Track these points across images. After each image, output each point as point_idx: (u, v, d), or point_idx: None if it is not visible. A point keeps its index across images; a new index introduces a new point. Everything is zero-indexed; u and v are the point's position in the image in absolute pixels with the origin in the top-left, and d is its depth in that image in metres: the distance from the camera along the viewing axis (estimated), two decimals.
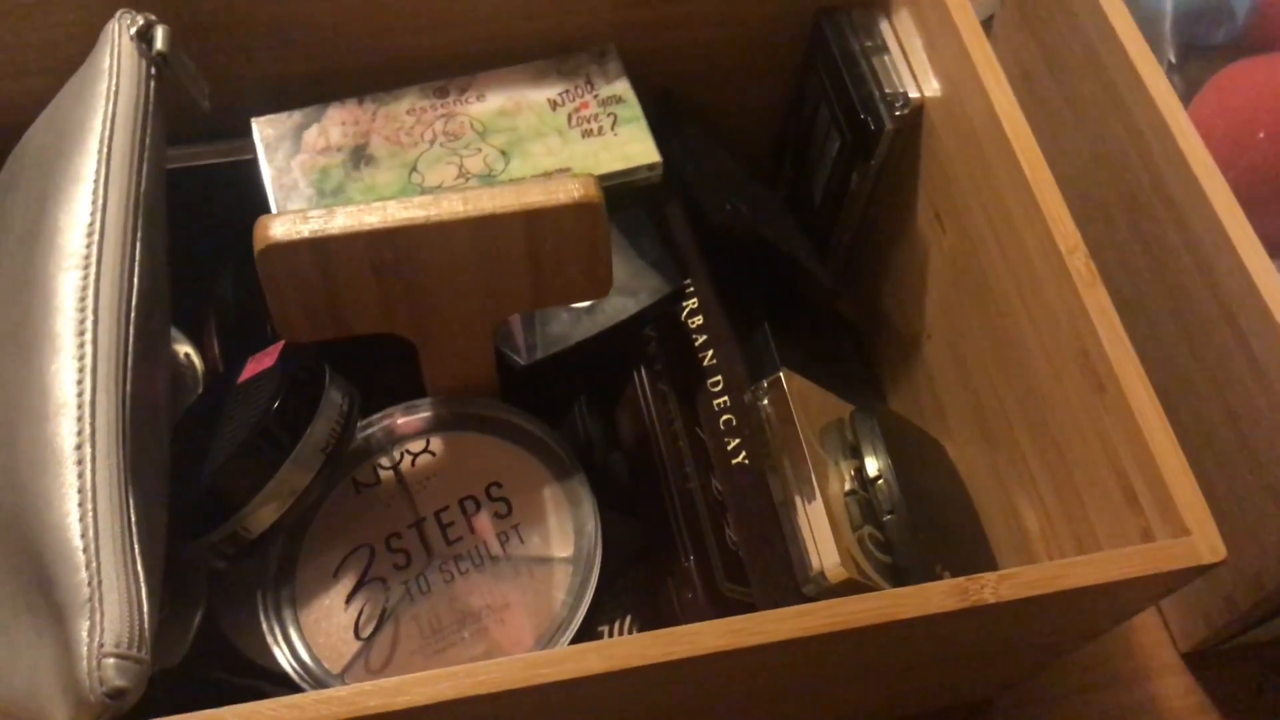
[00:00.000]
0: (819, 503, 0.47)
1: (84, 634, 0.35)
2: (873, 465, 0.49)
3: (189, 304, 0.57)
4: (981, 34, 0.51)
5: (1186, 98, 0.59)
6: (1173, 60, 0.59)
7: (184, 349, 0.56)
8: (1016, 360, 0.49)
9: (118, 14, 0.47)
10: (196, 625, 0.48)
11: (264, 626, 0.46)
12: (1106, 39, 0.55)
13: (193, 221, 0.50)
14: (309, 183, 0.52)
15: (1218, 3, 0.60)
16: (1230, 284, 0.49)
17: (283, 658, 0.46)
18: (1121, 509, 0.43)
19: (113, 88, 0.45)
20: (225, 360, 0.56)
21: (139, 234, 0.43)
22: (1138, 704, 0.58)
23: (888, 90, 0.55)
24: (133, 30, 0.47)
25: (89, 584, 0.36)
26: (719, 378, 0.54)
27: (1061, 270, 0.45)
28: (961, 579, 0.38)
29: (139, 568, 0.37)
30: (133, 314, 0.41)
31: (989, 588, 0.38)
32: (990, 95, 0.49)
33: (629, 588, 0.54)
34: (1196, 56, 0.59)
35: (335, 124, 0.54)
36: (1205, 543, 0.39)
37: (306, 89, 0.55)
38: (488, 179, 0.53)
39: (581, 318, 0.55)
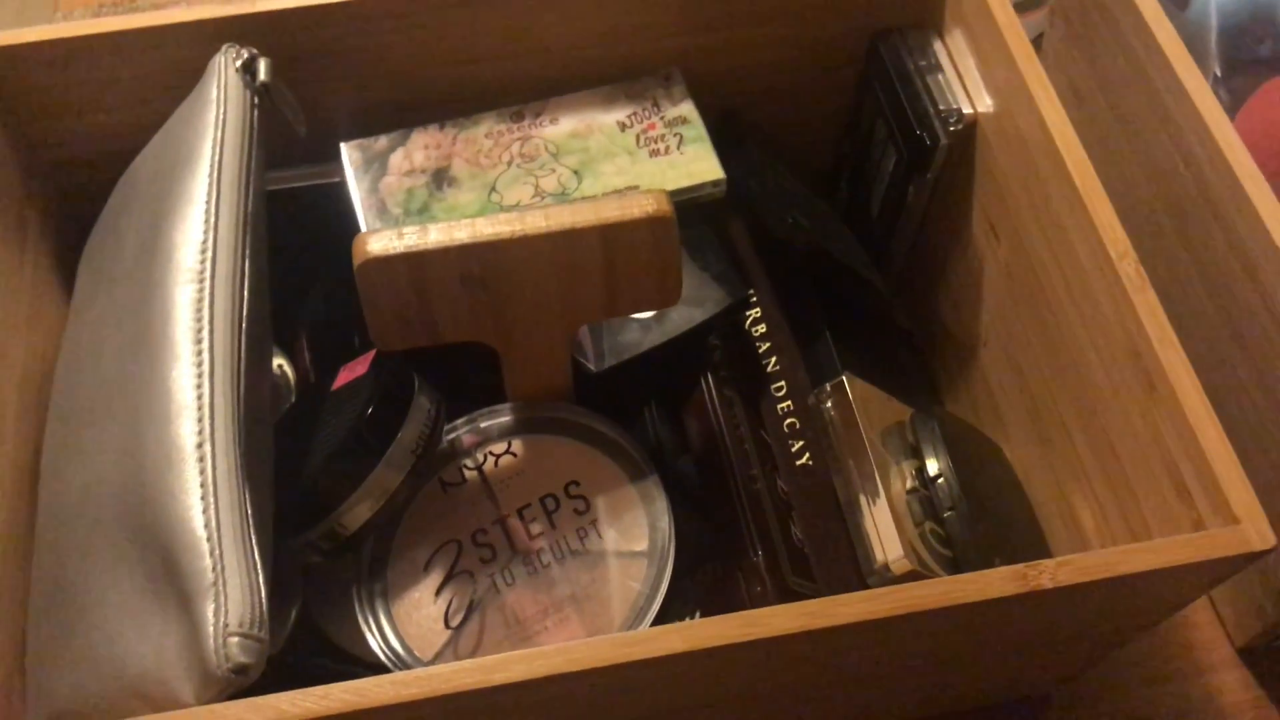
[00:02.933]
0: (883, 500, 0.49)
1: (210, 615, 0.38)
2: (933, 465, 0.52)
3: (281, 319, 0.60)
4: (1032, 52, 0.53)
5: (1232, 110, 0.60)
6: (1218, 74, 0.60)
7: (278, 360, 0.59)
8: (1070, 363, 0.52)
9: (224, 47, 0.51)
10: (294, 617, 0.51)
11: (359, 617, 0.50)
12: (1153, 55, 0.57)
13: (283, 241, 0.54)
14: (396, 203, 0.56)
15: (1263, 17, 0.62)
16: (1277, 288, 0.50)
17: (377, 646, 0.49)
18: (1173, 502, 0.45)
19: (221, 116, 0.49)
20: (316, 371, 0.59)
21: (247, 251, 0.46)
22: (1195, 698, 0.60)
23: (942, 107, 0.57)
24: (238, 63, 0.50)
25: (213, 570, 0.39)
26: (782, 383, 0.57)
27: (1112, 275, 0.47)
28: (1020, 565, 0.40)
29: (256, 556, 0.40)
30: (244, 324, 0.44)
31: (1047, 573, 0.40)
32: (1041, 109, 0.51)
33: (698, 586, 0.56)
34: (1242, 70, 0.61)
35: (419, 148, 0.57)
36: (1255, 530, 0.41)
37: (390, 116, 0.58)
38: (562, 197, 0.57)
39: (651, 327, 0.57)
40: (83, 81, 0.56)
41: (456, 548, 0.50)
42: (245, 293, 0.45)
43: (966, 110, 0.57)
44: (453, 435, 0.54)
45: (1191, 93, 0.54)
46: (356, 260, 0.45)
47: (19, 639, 0.47)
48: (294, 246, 0.56)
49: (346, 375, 0.53)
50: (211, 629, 0.38)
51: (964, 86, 0.58)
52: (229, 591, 0.38)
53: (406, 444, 0.49)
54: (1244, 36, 0.60)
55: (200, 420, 0.41)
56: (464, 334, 0.49)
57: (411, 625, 0.49)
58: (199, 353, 0.43)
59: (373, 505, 0.49)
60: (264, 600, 0.39)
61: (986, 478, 0.55)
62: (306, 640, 0.52)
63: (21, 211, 0.55)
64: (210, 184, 0.47)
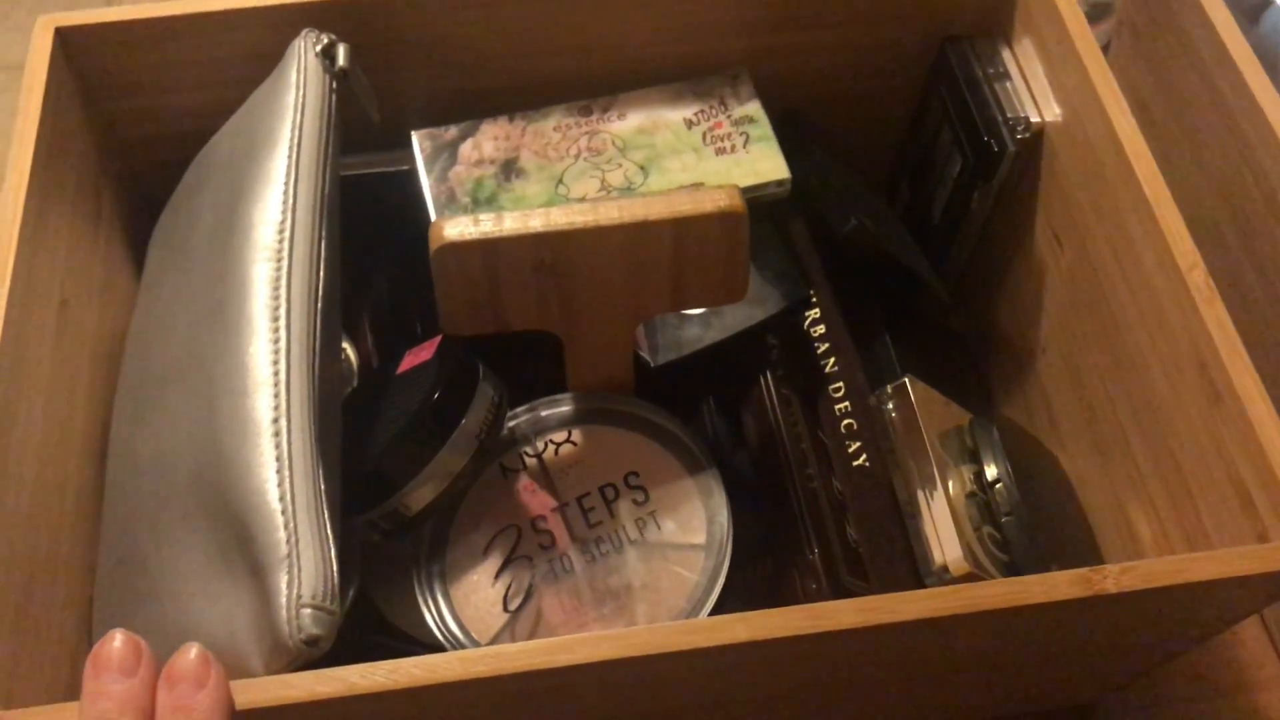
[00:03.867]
0: (942, 501, 0.50)
1: (283, 586, 0.39)
2: (992, 470, 0.52)
3: (345, 303, 0.61)
4: (1103, 61, 0.53)
5: None
6: None
7: (341, 344, 0.60)
8: (1133, 373, 0.52)
9: (303, 33, 0.52)
10: (352, 596, 0.52)
11: (418, 598, 0.50)
12: (1224, 68, 0.57)
13: (350, 226, 0.54)
14: (464, 192, 0.56)
15: None
16: None
17: (434, 626, 0.49)
18: (1237, 514, 0.45)
19: (300, 99, 0.49)
20: (379, 355, 0.60)
21: (323, 232, 0.47)
22: (1242, 715, 0.60)
23: (1010, 114, 0.57)
24: (318, 48, 0.51)
25: (287, 542, 0.39)
26: (840, 384, 0.57)
27: (1181, 286, 0.47)
28: (1085, 569, 0.40)
29: (328, 530, 0.41)
30: (319, 303, 0.45)
31: (1111, 578, 0.40)
32: (1112, 119, 0.51)
33: (752, 582, 0.57)
34: None
35: (488, 139, 0.58)
36: None
37: (461, 106, 0.59)
38: (628, 192, 0.57)
39: (710, 324, 0.58)
40: (160, 62, 0.56)
41: (516, 533, 0.51)
42: (321, 274, 0.46)
43: (1034, 118, 0.57)
44: (514, 423, 0.54)
45: (1265, 107, 0.54)
46: (433, 245, 0.46)
47: (87, 607, 0.48)
48: (360, 232, 0.57)
49: (411, 360, 0.53)
50: (285, 599, 0.38)
51: (1031, 94, 0.58)
52: (302, 564, 0.39)
53: (470, 428, 0.50)
54: None
55: (277, 396, 0.42)
56: (531, 322, 0.50)
57: (469, 607, 0.50)
58: (276, 329, 0.43)
59: (436, 487, 0.50)
60: (336, 574, 0.40)
61: (1042, 485, 0.55)
62: (363, 619, 0.53)
63: (97, 186, 0.56)
64: (289, 166, 0.47)
